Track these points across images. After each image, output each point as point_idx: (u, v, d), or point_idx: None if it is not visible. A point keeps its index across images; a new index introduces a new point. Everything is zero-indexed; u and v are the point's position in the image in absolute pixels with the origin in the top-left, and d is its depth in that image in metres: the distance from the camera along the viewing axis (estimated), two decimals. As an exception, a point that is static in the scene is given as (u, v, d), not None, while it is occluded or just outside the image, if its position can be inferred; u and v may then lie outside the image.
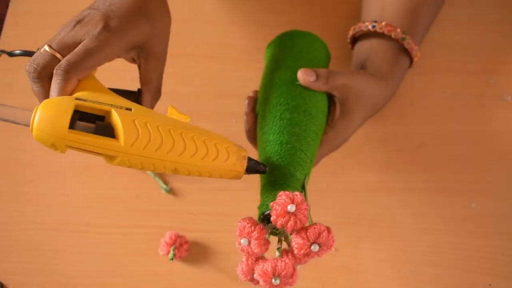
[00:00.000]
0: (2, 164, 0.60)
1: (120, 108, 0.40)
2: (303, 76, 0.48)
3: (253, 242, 0.38)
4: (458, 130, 0.64)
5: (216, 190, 0.59)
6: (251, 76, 0.65)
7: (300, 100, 0.48)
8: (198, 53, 0.66)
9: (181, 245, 0.55)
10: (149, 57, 0.46)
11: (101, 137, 0.39)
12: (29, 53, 0.49)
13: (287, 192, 0.38)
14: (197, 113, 0.64)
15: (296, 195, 0.38)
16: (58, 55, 0.42)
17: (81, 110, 0.40)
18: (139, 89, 0.47)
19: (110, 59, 0.44)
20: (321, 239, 0.38)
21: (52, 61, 0.42)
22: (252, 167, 0.42)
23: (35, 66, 0.41)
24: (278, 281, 0.37)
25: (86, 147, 0.39)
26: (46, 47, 0.42)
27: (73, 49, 0.42)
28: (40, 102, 0.41)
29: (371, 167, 0.61)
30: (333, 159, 0.61)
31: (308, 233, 0.38)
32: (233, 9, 0.72)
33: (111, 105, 0.40)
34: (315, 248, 0.38)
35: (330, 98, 0.52)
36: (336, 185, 0.59)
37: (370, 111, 0.54)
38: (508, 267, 0.55)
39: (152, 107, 0.47)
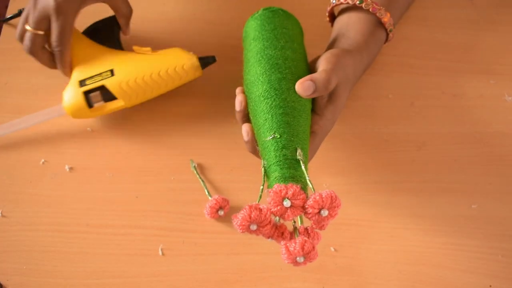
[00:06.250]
0: (2, 164, 0.60)
1: (107, 77, 0.59)
2: (302, 91, 0.49)
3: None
4: (459, 130, 0.64)
5: (215, 190, 0.59)
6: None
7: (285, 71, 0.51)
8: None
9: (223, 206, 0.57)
10: None
11: (108, 103, 0.60)
12: (17, 15, 0.70)
13: (280, 188, 0.40)
14: (199, 113, 0.64)
15: (290, 187, 0.40)
16: (40, 32, 0.57)
17: (87, 90, 0.59)
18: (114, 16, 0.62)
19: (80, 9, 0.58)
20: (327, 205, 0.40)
21: (36, 38, 0.57)
22: (204, 62, 0.61)
23: (26, 48, 0.58)
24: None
25: (103, 112, 0.60)
26: (28, 27, 0.57)
27: (46, 22, 0.57)
28: (46, 66, 0.60)
29: (372, 167, 0.61)
30: (333, 159, 0.61)
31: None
32: (233, 9, 0.72)
33: (101, 77, 0.59)
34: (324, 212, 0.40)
35: None
36: (336, 185, 0.59)
37: (350, 89, 0.56)
38: (508, 268, 0.55)
39: (127, 25, 0.62)
